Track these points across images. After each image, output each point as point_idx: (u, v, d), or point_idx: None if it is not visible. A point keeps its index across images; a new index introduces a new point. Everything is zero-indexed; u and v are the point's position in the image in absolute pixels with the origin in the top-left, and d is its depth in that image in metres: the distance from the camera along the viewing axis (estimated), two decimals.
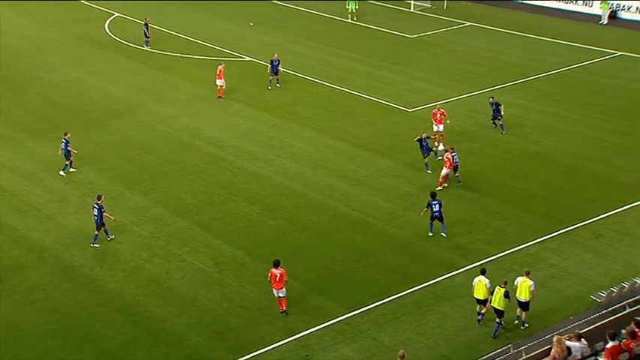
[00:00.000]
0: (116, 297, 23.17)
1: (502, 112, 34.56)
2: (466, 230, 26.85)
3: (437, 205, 25.86)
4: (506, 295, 21.20)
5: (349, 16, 53.33)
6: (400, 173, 30.92)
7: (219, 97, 38.40)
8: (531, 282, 21.45)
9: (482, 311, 21.87)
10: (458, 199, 28.94)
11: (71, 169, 30.51)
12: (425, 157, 30.71)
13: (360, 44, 48.35)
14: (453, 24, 53.16)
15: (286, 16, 54.66)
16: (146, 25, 45.73)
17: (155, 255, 25.28)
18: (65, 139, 30.19)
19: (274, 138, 34.16)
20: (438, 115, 32.84)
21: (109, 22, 51.53)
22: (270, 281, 22.19)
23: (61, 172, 30.23)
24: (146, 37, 45.77)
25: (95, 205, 25.42)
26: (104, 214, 25.37)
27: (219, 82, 38.36)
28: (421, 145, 30.57)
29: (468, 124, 35.86)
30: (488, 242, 26.12)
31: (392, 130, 34.97)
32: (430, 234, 26.22)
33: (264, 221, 27.32)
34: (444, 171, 29.23)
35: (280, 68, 39.84)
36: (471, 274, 24.09)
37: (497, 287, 21.39)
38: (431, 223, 26.10)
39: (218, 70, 38.31)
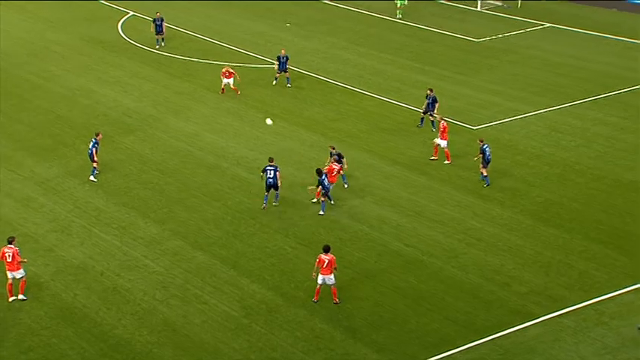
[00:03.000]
0: (124, 345, 23.51)
1: (436, 109, 35.96)
2: (543, 272, 26.68)
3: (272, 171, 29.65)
4: None
5: (397, 12, 54.02)
6: (463, 203, 30.93)
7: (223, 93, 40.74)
8: None
9: None
10: (533, 235, 28.81)
11: (92, 178, 32.58)
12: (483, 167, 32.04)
13: (417, 50, 48.70)
14: (529, 25, 53.19)
15: (329, 16, 55.45)
16: (160, 19, 47.16)
17: (171, 295, 25.67)
18: (95, 140, 32.42)
19: (314, 159, 34.49)
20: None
21: (123, 23, 52.93)
22: (317, 267, 24.62)
23: (92, 178, 32.44)
24: (159, 34, 47.24)
25: (269, 167, 29.93)
26: (279, 173, 29.91)
27: (229, 80, 40.36)
28: (483, 155, 31.84)
29: (546, 146, 35.75)
30: (571, 288, 25.89)
31: (454, 151, 35.01)
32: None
33: (301, 257, 27.56)
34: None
35: (288, 66, 41.82)
36: (549, 326, 23.94)
37: None
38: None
39: (225, 70, 40.61)
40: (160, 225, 29.46)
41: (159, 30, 47.44)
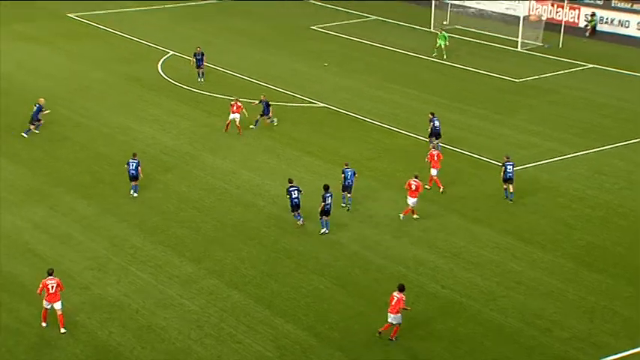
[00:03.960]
0: None
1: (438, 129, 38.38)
2: (586, 318, 26.20)
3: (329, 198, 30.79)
4: None
5: (435, 51, 54.07)
6: (502, 245, 30.60)
7: (226, 131, 41.20)
8: None
9: None
10: (575, 279, 28.35)
11: (134, 193, 34.43)
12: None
13: (453, 88, 48.72)
14: (570, 66, 52.99)
15: (365, 55, 55.78)
16: (200, 54, 48.69)
17: (206, 334, 25.64)
18: (136, 160, 34.37)
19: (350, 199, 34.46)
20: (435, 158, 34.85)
21: (163, 62, 53.76)
22: (389, 303, 25.00)
23: (134, 194, 34.48)
24: (199, 68, 48.84)
25: (292, 188, 31.42)
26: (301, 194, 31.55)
27: (235, 116, 40.90)
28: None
29: (589, 188, 35.34)
30: (616, 335, 25.39)
31: (490, 191, 34.77)
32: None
33: (336, 298, 27.42)
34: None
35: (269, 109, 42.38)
36: None
37: None
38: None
39: (234, 103, 41.06)
40: (196, 264, 29.55)
41: (199, 64, 48.87)
